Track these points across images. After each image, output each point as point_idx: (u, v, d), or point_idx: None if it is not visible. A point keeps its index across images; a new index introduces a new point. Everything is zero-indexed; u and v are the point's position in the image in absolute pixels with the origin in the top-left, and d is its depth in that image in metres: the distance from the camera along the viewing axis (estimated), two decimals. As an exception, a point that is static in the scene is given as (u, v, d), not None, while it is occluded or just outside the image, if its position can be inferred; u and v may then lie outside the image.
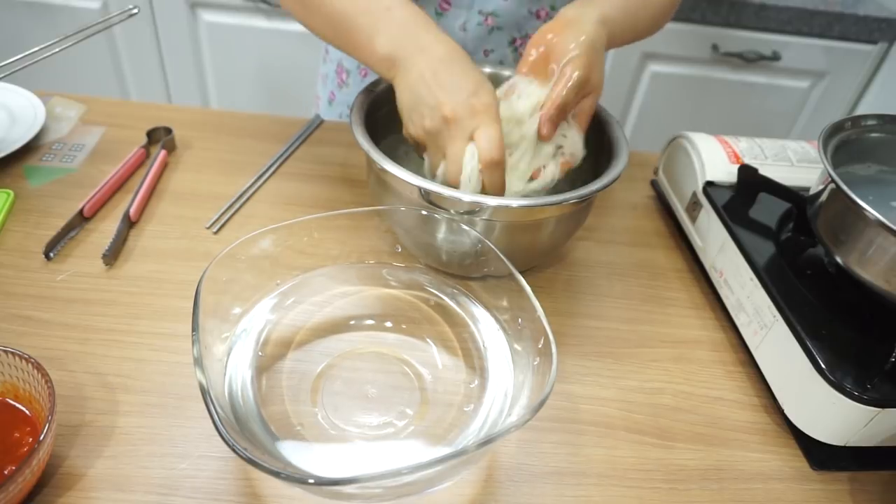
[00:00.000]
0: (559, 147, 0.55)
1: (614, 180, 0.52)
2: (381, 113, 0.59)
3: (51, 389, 0.40)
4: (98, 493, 0.40)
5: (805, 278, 0.52)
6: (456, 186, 0.50)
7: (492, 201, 0.48)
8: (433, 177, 0.54)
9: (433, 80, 0.50)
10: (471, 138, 0.49)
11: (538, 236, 0.54)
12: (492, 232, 0.51)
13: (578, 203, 0.52)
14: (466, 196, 0.49)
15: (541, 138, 0.53)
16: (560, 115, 0.53)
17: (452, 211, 0.50)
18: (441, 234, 0.50)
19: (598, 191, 0.51)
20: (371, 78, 0.62)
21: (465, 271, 0.52)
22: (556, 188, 0.60)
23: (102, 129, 0.73)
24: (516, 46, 0.77)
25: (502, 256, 0.46)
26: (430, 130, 0.50)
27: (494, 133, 0.49)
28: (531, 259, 0.59)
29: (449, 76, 0.50)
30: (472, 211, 0.49)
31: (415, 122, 0.52)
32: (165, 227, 0.61)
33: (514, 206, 0.49)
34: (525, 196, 0.54)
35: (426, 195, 0.50)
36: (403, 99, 0.52)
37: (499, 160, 0.49)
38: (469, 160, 0.49)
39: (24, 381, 0.42)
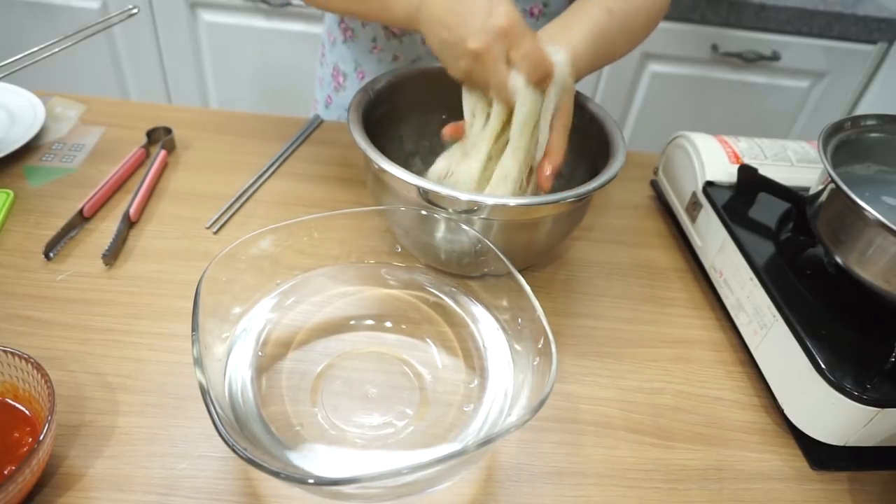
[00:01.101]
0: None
1: (611, 179, 0.52)
2: (379, 112, 0.59)
3: (51, 389, 0.40)
4: (98, 493, 0.40)
5: (805, 278, 0.52)
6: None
7: (489, 200, 0.49)
8: (447, 177, 0.54)
9: (449, 16, 0.49)
10: (508, 61, 0.49)
11: (536, 235, 0.54)
12: (490, 231, 0.51)
13: (576, 202, 0.52)
14: (464, 195, 0.49)
15: (542, 190, 0.53)
16: (560, 167, 0.54)
17: (451, 210, 0.50)
18: (440, 233, 0.51)
19: (594, 190, 0.51)
20: (369, 78, 0.62)
21: (464, 270, 0.52)
22: (554, 188, 0.60)
23: (102, 129, 0.73)
24: None
25: (501, 255, 0.46)
26: (466, 71, 0.50)
27: (530, 47, 0.48)
28: (529, 258, 0.60)
29: (461, 5, 0.49)
30: (470, 210, 0.49)
31: (451, 66, 0.51)
32: (165, 227, 0.61)
33: (512, 204, 0.49)
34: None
35: (424, 194, 0.50)
36: (433, 46, 0.52)
37: (548, 73, 0.50)
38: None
39: (24, 381, 0.42)
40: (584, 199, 0.54)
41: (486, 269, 0.49)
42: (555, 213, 0.53)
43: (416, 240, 0.53)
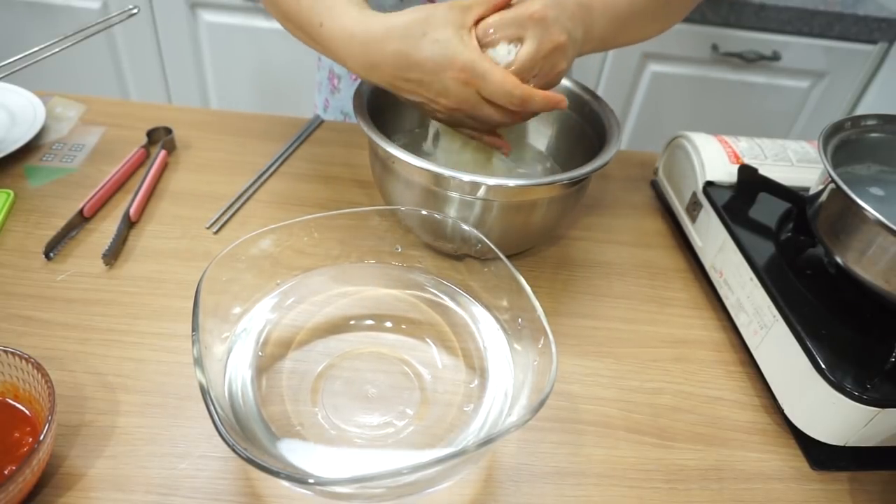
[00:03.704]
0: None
1: (604, 165, 0.54)
2: (384, 100, 0.60)
3: (51, 389, 0.40)
4: (98, 493, 0.41)
5: (805, 278, 0.52)
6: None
7: (490, 181, 0.51)
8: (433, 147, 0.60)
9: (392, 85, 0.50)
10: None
11: (533, 217, 0.55)
12: (489, 212, 0.53)
13: (571, 185, 0.54)
14: (466, 176, 0.50)
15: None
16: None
17: (454, 193, 0.52)
18: (448, 227, 0.51)
19: (589, 173, 0.53)
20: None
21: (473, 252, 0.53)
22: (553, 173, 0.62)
23: (102, 129, 0.73)
24: None
25: (502, 256, 0.46)
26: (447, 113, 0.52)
27: (494, 87, 0.48)
28: (527, 239, 0.61)
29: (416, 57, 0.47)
30: (473, 186, 0.51)
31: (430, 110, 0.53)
32: (165, 227, 0.61)
33: (511, 185, 0.51)
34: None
35: (431, 177, 0.52)
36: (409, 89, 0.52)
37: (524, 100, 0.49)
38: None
39: (24, 381, 0.42)
40: (579, 184, 0.56)
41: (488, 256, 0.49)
42: (550, 196, 0.54)
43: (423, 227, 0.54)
